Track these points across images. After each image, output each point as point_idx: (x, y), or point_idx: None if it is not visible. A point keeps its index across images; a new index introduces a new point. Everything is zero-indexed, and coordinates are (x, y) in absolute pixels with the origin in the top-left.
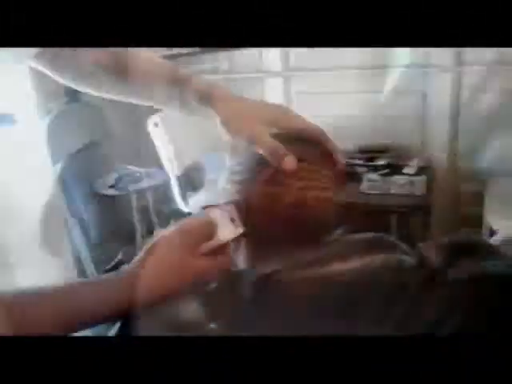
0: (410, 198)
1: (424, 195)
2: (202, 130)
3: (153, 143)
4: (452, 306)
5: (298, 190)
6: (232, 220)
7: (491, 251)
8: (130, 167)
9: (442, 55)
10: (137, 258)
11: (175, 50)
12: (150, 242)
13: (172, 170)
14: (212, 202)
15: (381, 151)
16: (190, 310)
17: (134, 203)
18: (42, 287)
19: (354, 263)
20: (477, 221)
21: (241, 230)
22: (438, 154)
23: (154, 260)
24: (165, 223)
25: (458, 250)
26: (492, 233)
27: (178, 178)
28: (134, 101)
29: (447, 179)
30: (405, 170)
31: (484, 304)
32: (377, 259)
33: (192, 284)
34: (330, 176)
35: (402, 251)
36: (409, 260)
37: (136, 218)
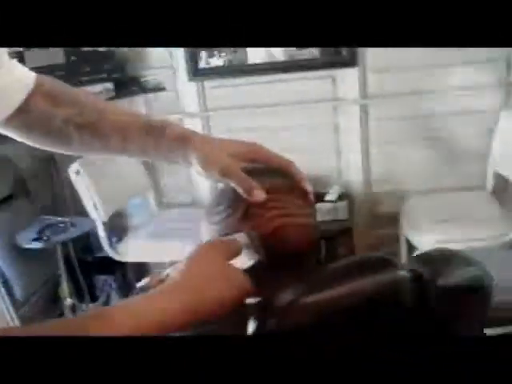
0: (334, 223)
1: (347, 219)
2: (124, 175)
3: (73, 191)
4: (444, 311)
5: (274, 219)
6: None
7: (466, 260)
8: (52, 218)
9: (348, 89)
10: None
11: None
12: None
13: (98, 218)
14: (141, 247)
15: None
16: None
17: (59, 255)
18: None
19: (363, 282)
20: (394, 239)
21: (256, 258)
22: (355, 180)
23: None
24: (89, 273)
25: (439, 261)
26: (410, 248)
27: (105, 225)
28: (105, 155)
29: (365, 202)
30: (327, 198)
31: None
32: (383, 277)
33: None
34: (300, 204)
35: (398, 267)
36: (405, 274)
37: (62, 269)
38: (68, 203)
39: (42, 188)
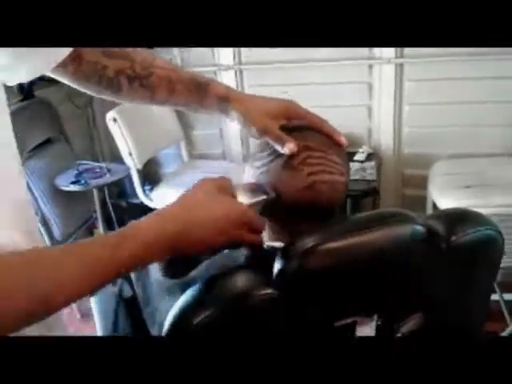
0: (362, 183)
1: (374, 180)
2: (159, 124)
3: (110, 138)
4: (456, 267)
5: (310, 175)
6: (253, 189)
7: (480, 220)
8: (89, 162)
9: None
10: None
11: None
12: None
13: (133, 165)
14: (173, 195)
15: None
16: (242, 280)
17: (96, 198)
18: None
19: (380, 232)
20: (421, 201)
21: (265, 196)
22: (385, 140)
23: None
24: (122, 218)
25: (454, 219)
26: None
27: (139, 172)
28: (151, 104)
29: (393, 164)
30: (355, 157)
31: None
32: (397, 229)
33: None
34: (335, 161)
35: (415, 222)
36: (421, 229)
37: (98, 213)
38: (104, 149)
39: (80, 133)
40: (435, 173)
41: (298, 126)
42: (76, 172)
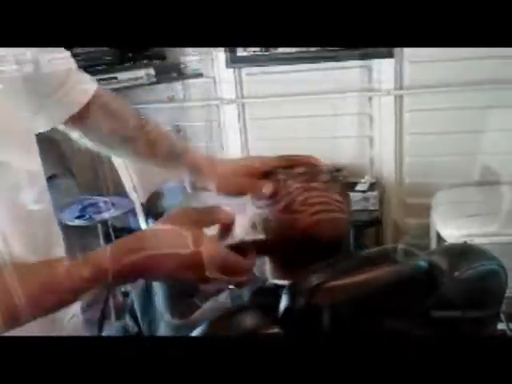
0: (364, 213)
1: (377, 209)
2: None
3: (113, 172)
4: (457, 299)
5: (309, 217)
6: (253, 226)
7: (483, 255)
8: (93, 197)
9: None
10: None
11: (131, 82)
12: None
13: (137, 199)
14: None
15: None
16: (249, 319)
17: (100, 233)
18: None
19: (384, 269)
20: (424, 230)
21: (260, 237)
22: (387, 170)
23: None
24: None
25: (458, 255)
26: (440, 241)
27: (143, 206)
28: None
29: (396, 194)
30: (358, 187)
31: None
32: (401, 266)
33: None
34: (334, 197)
35: (418, 258)
36: (424, 265)
37: (101, 246)
38: (108, 183)
39: (84, 168)
40: (438, 202)
41: (291, 171)
42: (80, 207)
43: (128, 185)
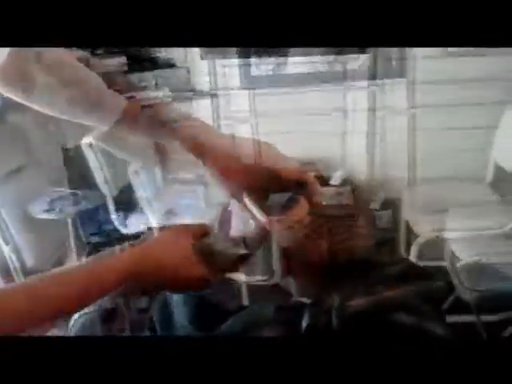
0: (338, 208)
1: (351, 204)
2: (133, 149)
3: (81, 165)
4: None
5: (331, 245)
6: (241, 242)
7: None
8: (63, 190)
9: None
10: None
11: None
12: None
13: (109, 192)
14: (147, 221)
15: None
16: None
17: (70, 227)
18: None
19: (405, 289)
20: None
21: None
22: (358, 165)
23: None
24: (97, 245)
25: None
26: (409, 235)
27: (114, 199)
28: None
29: (367, 188)
30: (331, 182)
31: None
32: (421, 285)
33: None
34: (358, 224)
35: (434, 277)
36: (441, 284)
37: (71, 240)
38: (78, 176)
39: (53, 160)
40: (408, 197)
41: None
42: (49, 200)
43: (99, 178)
